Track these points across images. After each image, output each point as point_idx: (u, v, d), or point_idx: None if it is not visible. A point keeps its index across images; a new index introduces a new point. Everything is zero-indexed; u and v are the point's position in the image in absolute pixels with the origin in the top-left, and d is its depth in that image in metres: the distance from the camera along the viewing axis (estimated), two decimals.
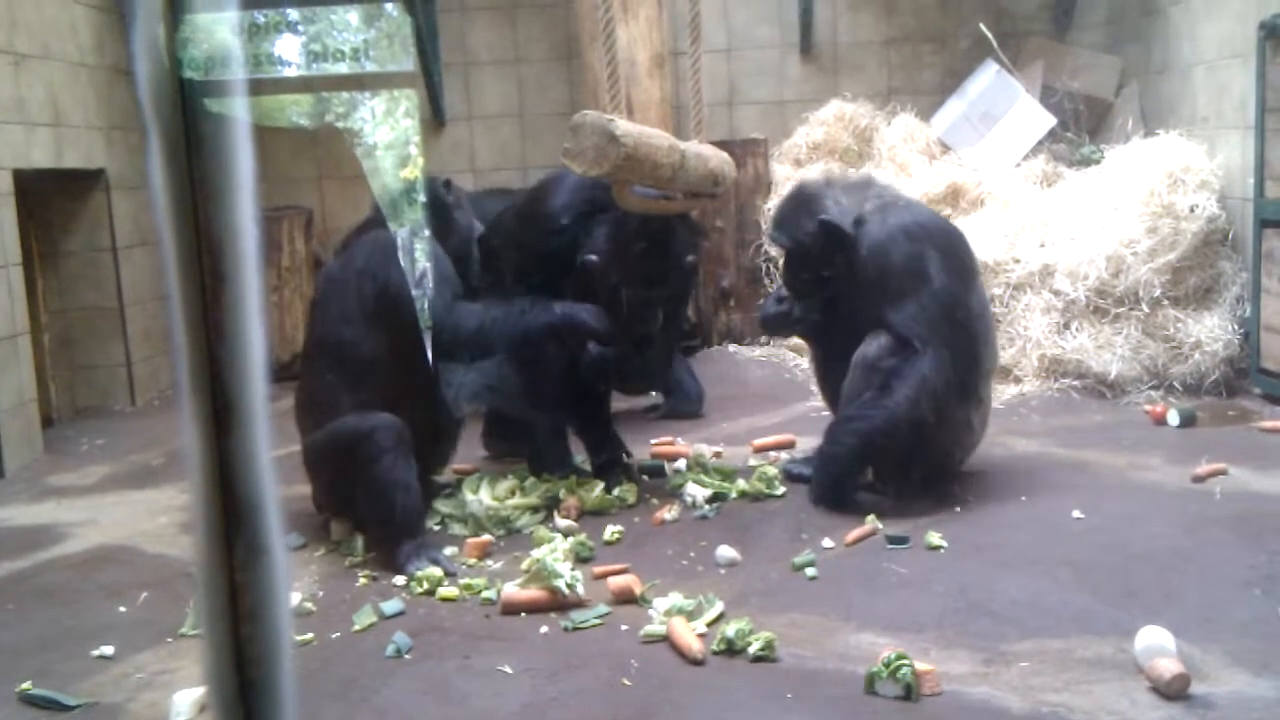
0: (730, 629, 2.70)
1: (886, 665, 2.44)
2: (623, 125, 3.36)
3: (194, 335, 1.14)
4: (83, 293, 5.89)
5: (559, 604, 3.00)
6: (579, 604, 3.01)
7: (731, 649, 2.67)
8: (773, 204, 4.09)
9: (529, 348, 3.70)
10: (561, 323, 3.70)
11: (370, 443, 3.37)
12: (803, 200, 3.92)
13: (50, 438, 5.27)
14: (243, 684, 1.19)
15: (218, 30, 1.18)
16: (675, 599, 2.92)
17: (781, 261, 3.96)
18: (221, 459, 1.16)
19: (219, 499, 1.16)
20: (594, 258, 3.76)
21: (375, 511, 3.39)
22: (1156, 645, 2.47)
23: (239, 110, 1.17)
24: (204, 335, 1.14)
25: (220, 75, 1.17)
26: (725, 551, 3.31)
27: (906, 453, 3.63)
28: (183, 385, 1.15)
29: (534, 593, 3.04)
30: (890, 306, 3.61)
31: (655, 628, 2.81)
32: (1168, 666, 2.39)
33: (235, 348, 1.15)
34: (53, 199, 5.74)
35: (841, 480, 3.69)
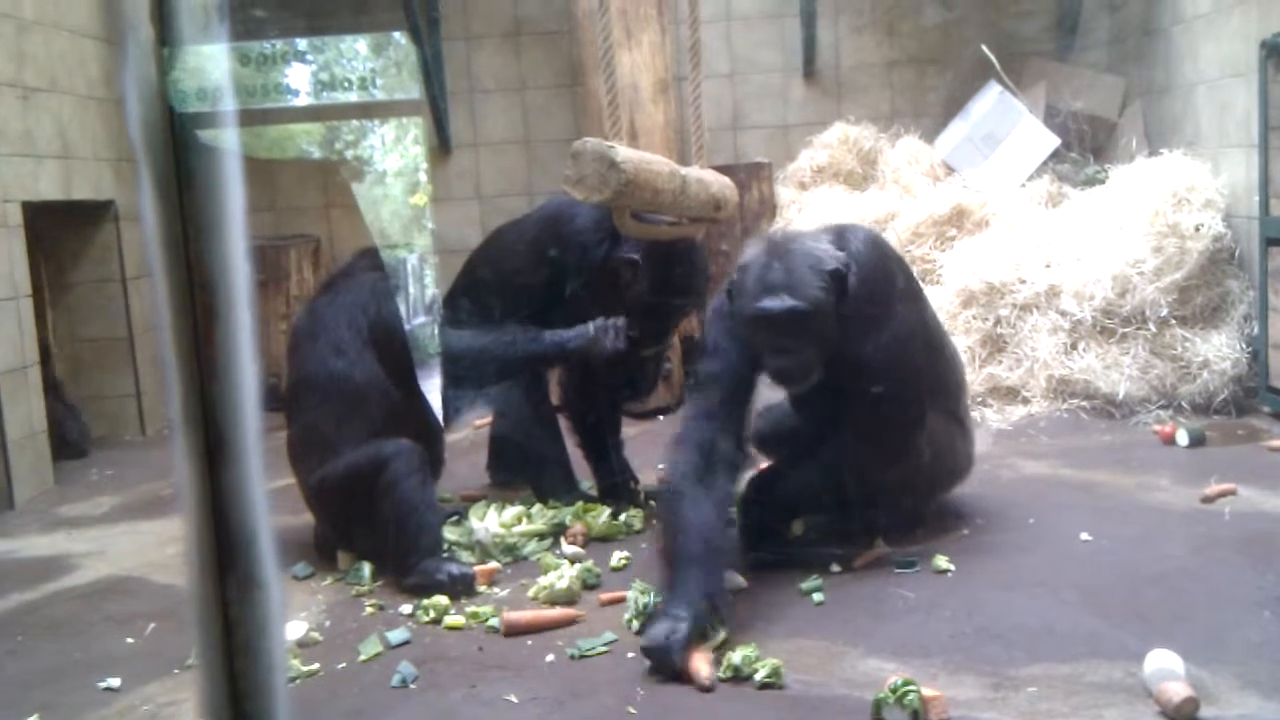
0: (737, 655, 2.68)
1: (893, 691, 2.42)
2: (623, 152, 3.38)
3: (186, 370, 1.15)
4: (92, 324, 5.92)
5: (561, 623, 3.03)
6: (575, 620, 3.05)
7: (738, 675, 2.65)
8: (742, 278, 3.39)
9: (526, 375, 3.83)
10: (556, 351, 3.86)
11: (394, 467, 3.43)
12: (790, 257, 3.31)
13: (60, 468, 5.28)
14: (237, 717, 1.19)
15: (209, 65, 1.19)
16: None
17: (767, 335, 3.31)
18: (215, 493, 1.16)
19: (212, 533, 1.17)
20: (634, 256, 3.87)
21: (401, 533, 3.41)
22: (1165, 668, 2.45)
23: (230, 144, 1.18)
24: (196, 370, 1.15)
25: (212, 110, 1.18)
26: (731, 577, 3.30)
27: (900, 487, 3.55)
28: (175, 420, 1.15)
29: (534, 613, 3.07)
30: (859, 343, 3.30)
31: None
32: (1177, 690, 2.36)
33: (227, 382, 1.16)
34: (62, 231, 5.78)
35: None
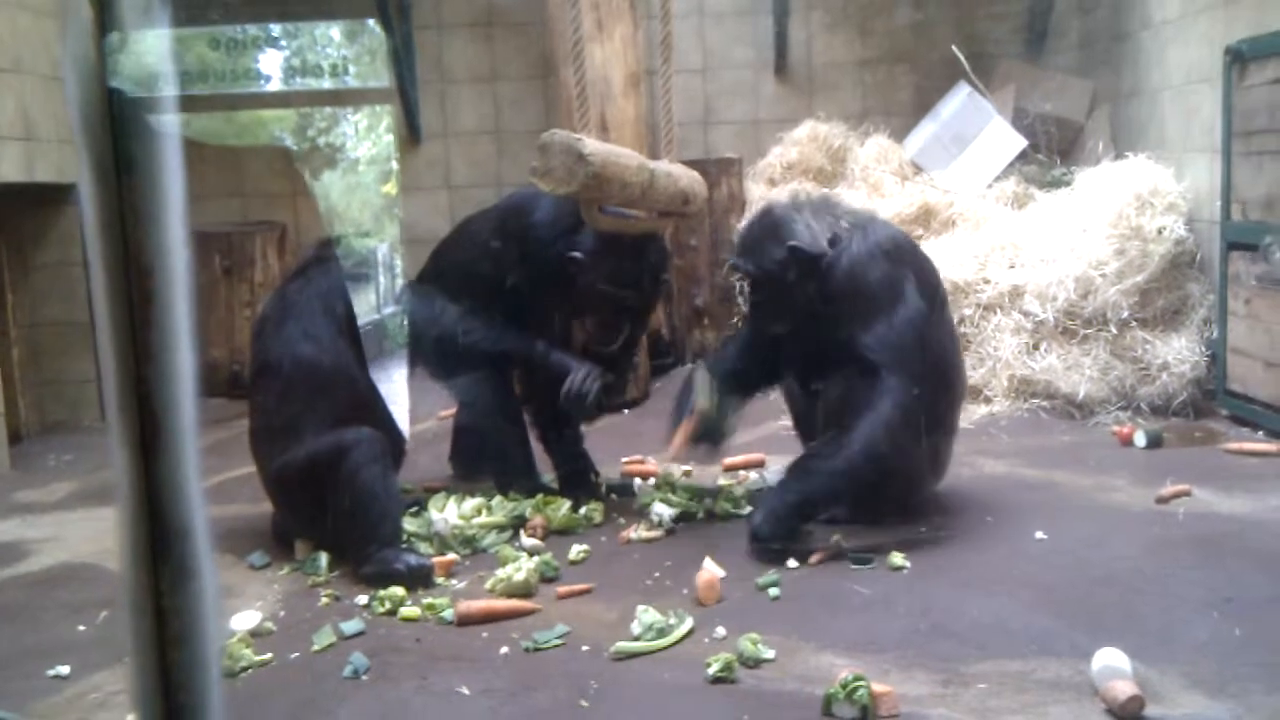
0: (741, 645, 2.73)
1: (844, 686, 2.43)
2: (591, 144, 3.38)
3: (121, 357, 1.14)
4: (53, 307, 5.86)
5: (515, 614, 3.04)
6: (530, 612, 3.06)
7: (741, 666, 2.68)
8: (740, 227, 3.97)
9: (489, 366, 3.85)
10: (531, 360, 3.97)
11: (355, 455, 3.41)
12: (770, 225, 3.75)
13: (18, 453, 5.23)
14: (171, 709, 1.18)
15: (151, 49, 1.18)
16: (652, 616, 2.91)
17: (747, 288, 3.95)
18: (149, 482, 1.15)
19: (147, 522, 1.16)
20: (579, 254, 3.83)
21: (361, 521, 3.40)
22: (1112, 667, 2.48)
23: (172, 129, 1.17)
24: (131, 357, 1.14)
25: (153, 94, 1.17)
26: (710, 565, 3.30)
27: (869, 489, 3.59)
28: (110, 406, 1.14)
29: (488, 603, 3.08)
30: (861, 327, 3.52)
31: (626, 644, 2.80)
32: (1123, 688, 2.39)
33: (164, 370, 1.15)
34: (23, 213, 5.71)
35: (790, 521, 3.51)
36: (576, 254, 3.84)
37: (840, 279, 3.60)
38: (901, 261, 3.63)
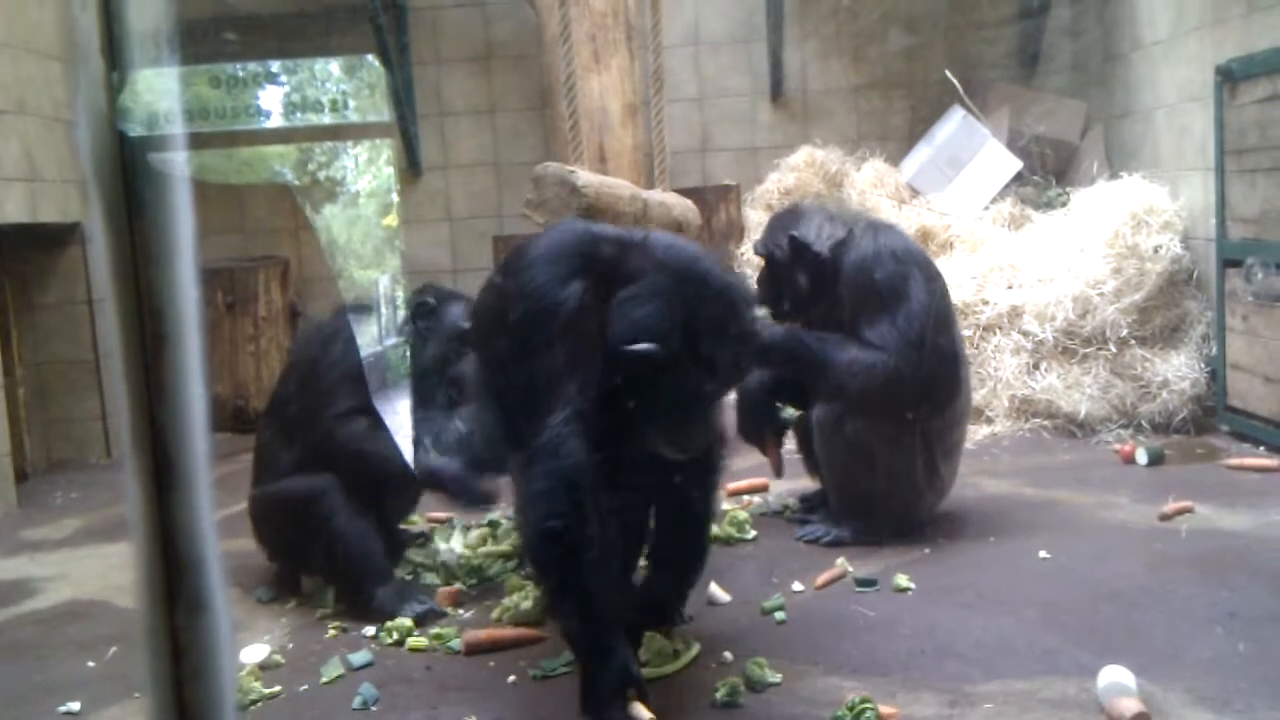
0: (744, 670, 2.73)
1: (850, 709, 2.44)
2: (584, 176, 3.42)
3: (136, 395, 1.16)
4: (58, 346, 5.90)
5: (521, 641, 3.05)
6: (537, 640, 3.05)
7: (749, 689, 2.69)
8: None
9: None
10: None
11: (321, 506, 3.39)
12: (787, 216, 4.03)
13: (24, 491, 5.25)
14: None
15: (160, 94, 1.21)
16: (659, 642, 2.92)
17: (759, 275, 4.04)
18: (163, 517, 1.17)
19: (161, 557, 1.18)
20: (642, 347, 2.50)
21: (348, 569, 3.40)
22: (1118, 684, 2.49)
23: (181, 172, 1.20)
24: (145, 395, 1.16)
25: (162, 138, 1.20)
26: (715, 591, 3.32)
27: (871, 496, 3.65)
28: (125, 444, 1.17)
29: (495, 631, 3.09)
30: (866, 324, 3.64)
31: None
32: (1129, 705, 2.40)
33: (177, 407, 1.17)
34: (28, 253, 5.76)
35: (759, 405, 3.74)
36: (638, 347, 2.52)
37: (848, 275, 3.73)
38: (911, 264, 3.71)
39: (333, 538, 3.37)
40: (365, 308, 3.74)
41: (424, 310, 3.74)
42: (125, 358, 1.18)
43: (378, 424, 3.56)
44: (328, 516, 3.37)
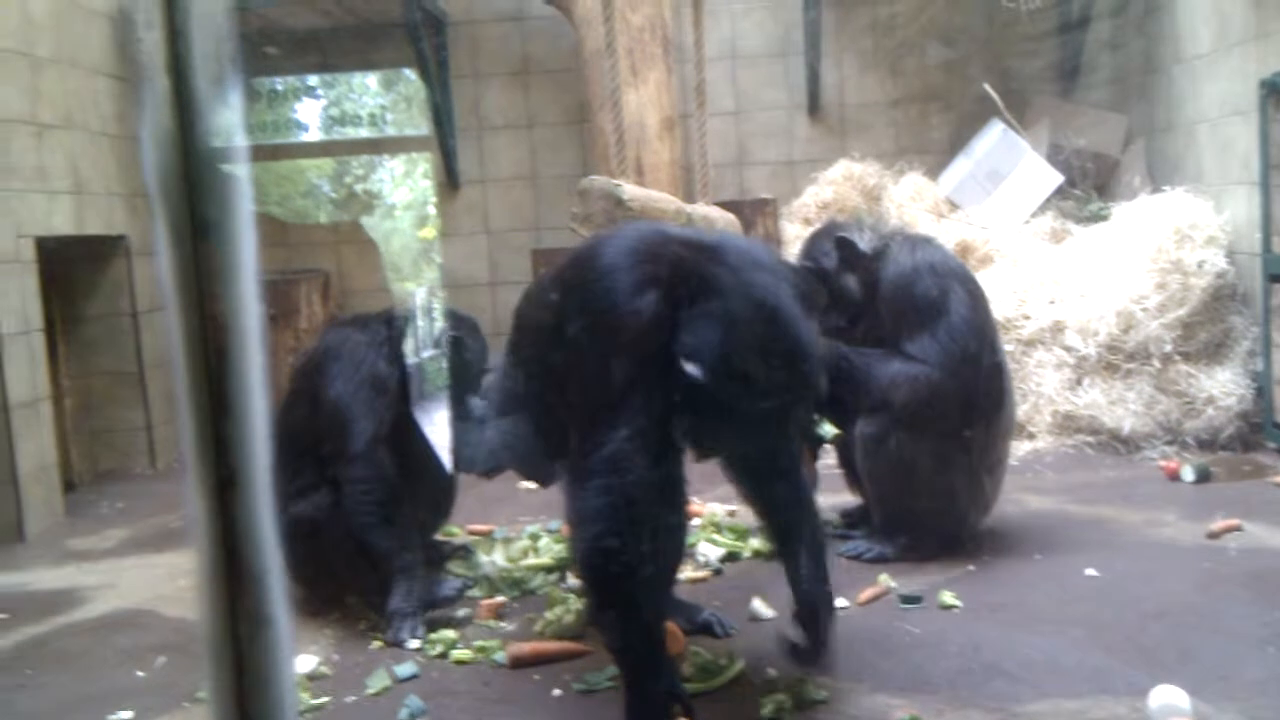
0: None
1: None
2: (629, 189, 3.43)
3: (199, 408, 1.18)
4: (104, 357, 5.97)
5: (566, 655, 3.05)
6: (582, 653, 3.05)
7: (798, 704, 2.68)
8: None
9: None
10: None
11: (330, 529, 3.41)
12: (829, 226, 4.04)
13: (71, 501, 5.31)
14: None
15: (224, 114, 1.23)
16: (703, 657, 2.92)
17: None
18: (225, 529, 1.19)
19: (224, 568, 1.19)
20: (695, 369, 2.41)
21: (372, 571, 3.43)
22: (1170, 704, 2.45)
23: (245, 191, 1.22)
24: (209, 407, 1.18)
25: (226, 154, 1.22)
26: (758, 606, 3.31)
27: (915, 512, 3.64)
28: (188, 455, 1.18)
29: (539, 644, 3.10)
30: (907, 339, 3.65)
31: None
32: None
33: (239, 420, 1.19)
34: (74, 265, 5.84)
35: None
36: (692, 368, 2.43)
37: (886, 290, 3.73)
38: (950, 278, 3.69)
39: (335, 566, 3.43)
40: (363, 318, 3.68)
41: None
42: (189, 371, 1.20)
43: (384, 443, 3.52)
44: (322, 545, 3.40)
